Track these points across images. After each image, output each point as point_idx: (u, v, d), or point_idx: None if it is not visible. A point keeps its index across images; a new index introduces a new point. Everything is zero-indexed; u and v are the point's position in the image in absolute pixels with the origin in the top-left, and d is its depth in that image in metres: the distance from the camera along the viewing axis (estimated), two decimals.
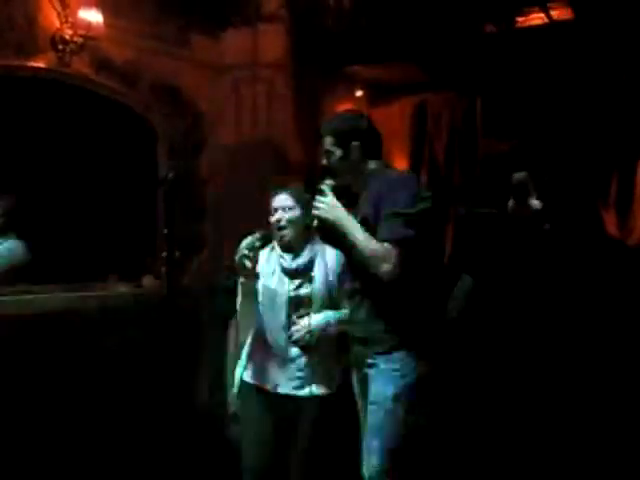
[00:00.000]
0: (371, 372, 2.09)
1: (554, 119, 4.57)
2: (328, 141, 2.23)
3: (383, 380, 2.06)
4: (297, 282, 2.36)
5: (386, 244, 1.98)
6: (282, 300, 2.34)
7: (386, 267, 1.97)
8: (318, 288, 2.36)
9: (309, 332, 2.33)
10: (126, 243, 4.00)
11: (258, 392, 2.39)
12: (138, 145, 4.18)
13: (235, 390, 2.48)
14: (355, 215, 2.10)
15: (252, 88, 4.57)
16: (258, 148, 4.47)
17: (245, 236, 2.28)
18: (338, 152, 2.20)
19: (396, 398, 2.02)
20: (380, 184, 2.10)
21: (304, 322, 2.34)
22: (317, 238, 2.41)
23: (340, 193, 2.17)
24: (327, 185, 2.14)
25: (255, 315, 2.37)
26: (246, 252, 2.19)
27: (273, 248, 2.45)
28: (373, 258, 1.99)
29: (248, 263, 2.19)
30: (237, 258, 2.20)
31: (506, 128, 5.07)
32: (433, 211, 2.07)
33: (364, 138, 2.21)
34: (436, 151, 5.44)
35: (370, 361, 2.10)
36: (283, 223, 2.34)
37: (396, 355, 2.05)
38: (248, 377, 2.43)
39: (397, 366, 2.05)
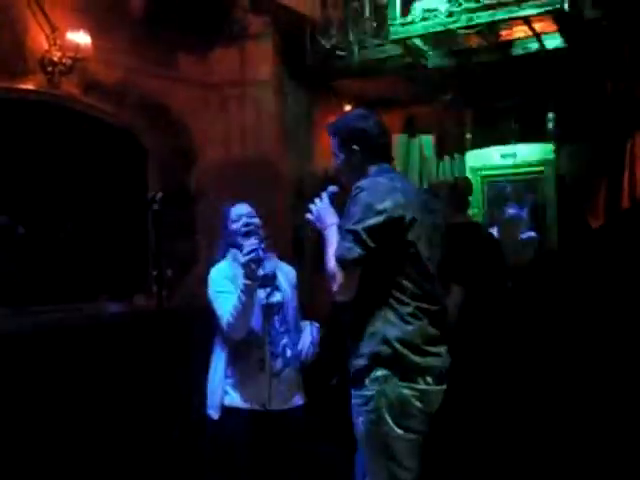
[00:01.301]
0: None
1: (541, 129, 4.63)
2: (332, 143, 2.13)
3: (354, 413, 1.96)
4: (267, 290, 2.36)
5: (336, 265, 1.86)
6: (257, 309, 2.32)
7: (334, 288, 1.87)
8: (287, 295, 2.37)
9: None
10: (118, 262, 4.00)
11: (246, 416, 2.32)
12: (128, 164, 4.20)
13: (213, 413, 2.39)
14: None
15: (240, 105, 4.61)
16: (247, 164, 4.49)
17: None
18: (341, 154, 2.10)
19: (370, 425, 1.91)
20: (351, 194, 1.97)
21: None
22: (272, 253, 2.43)
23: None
24: (328, 191, 2.07)
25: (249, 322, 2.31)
26: (251, 255, 2.17)
27: (230, 263, 2.40)
28: (329, 278, 1.89)
29: (254, 266, 2.18)
30: (243, 262, 2.17)
31: (495, 139, 5.13)
32: (392, 224, 1.87)
33: (366, 140, 2.06)
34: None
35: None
36: (252, 227, 2.34)
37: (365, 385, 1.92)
38: (231, 401, 2.35)
39: (363, 400, 1.91)
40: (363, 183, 1.95)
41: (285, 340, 2.34)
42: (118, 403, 3.47)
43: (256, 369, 2.30)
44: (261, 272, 2.30)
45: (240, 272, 2.24)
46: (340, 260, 1.87)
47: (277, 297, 2.37)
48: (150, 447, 3.22)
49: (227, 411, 2.33)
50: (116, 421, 3.44)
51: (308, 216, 2.06)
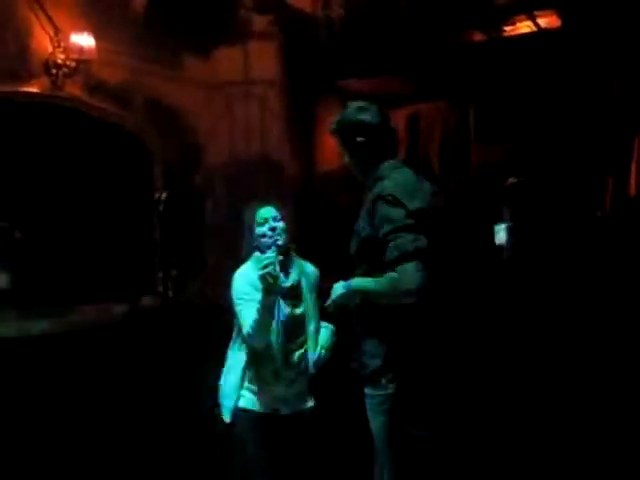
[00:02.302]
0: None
1: (546, 125, 4.60)
2: (337, 142, 2.05)
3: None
4: (291, 302, 2.33)
5: (399, 265, 1.77)
6: (278, 322, 2.30)
7: (405, 286, 1.76)
8: (310, 307, 2.34)
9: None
10: (124, 264, 4.00)
11: (259, 418, 2.33)
12: (133, 165, 4.20)
13: (227, 418, 2.41)
14: (358, 229, 1.95)
15: (245, 105, 4.61)
16: (252, 164, 4.49)
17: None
18: (348, 151, 2.01)
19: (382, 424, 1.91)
20: (372, 196, 1.90)
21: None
22: (296, 255, 2.39)
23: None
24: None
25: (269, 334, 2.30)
26: (268, 269, 2.12)
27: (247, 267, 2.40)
28: (394, 285, 1.79)
29: (270, 279, 2.13)
30: (260, 274, 2.14)
31: (499, 135, 5.11)
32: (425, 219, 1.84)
33: (369, 132, 1.97)
34: (430, 161, 5.47)
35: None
36: (279, 231, 2.31)
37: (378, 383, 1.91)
38: (245, 404, 2.37)
39: (380, 400, 1.91)
40: (383, 187, 1.89)
41: (302, 350, 2.34)
42: (126, 405, 3.47)
43: (271, 378, 2.31)
44: (281, 285, 2.24)
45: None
46: (414, 253, 1.78)
47: (300, 309, 2.34)
48: (158, 445, 3.22)
49: (238, 412, 2.34)
50: (123, 422, 3.44)
51: (330, 306, 1.99)
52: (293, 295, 2.31)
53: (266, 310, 2.17)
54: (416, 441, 1.87)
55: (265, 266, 2.07)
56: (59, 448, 3.17)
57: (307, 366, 2.32)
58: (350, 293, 1.94)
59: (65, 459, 3.15)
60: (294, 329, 2.30)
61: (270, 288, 2.11)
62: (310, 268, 2.40)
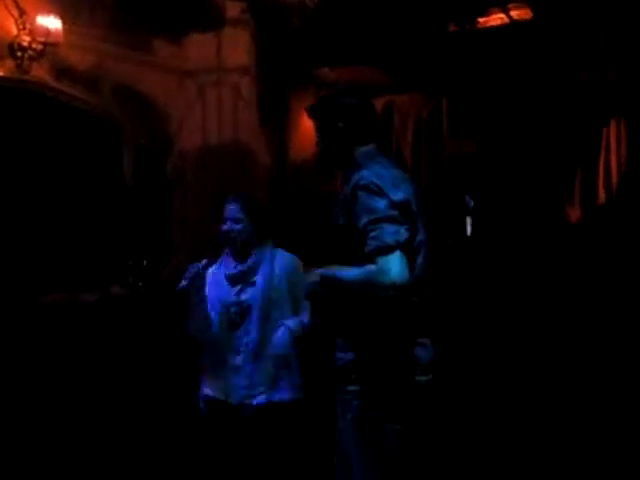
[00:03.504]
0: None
1: (517, 117, 4.66)
2: (315, 125, 1.99)
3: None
4: (238, 287, 2.38)
5: (380, 257, 1.72)
6: (223, 305, 2.35)
7: (388, 279, 1.71)
8: (259, 292, 2.36)
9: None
10: (93, 252, 3.94)
11: (216, 404, 2.37)
12: (102, 151, 4.12)
13: (200, 405, 2.47)
14: (334, 217, 1.92)
15: (217, 92, 4.55)
16: (224, 152, 4.44)
17: (198, 259, 2.33)
18: (325, 135, 1.96)
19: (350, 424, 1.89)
20: (351, 186, 1.84)
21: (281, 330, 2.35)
22: (268, 244, 2.43)
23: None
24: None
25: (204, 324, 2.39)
26: (185, 282, 2.28)
27: (220, 260, 2.46)
28: (372, 278, 1.74)
29: (194, 291, 2.28)
30: (181, 286, 2.27)
31: (471, 127, 5.15)
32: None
33: (351, 116, 1.91)
34: (403, 152, 5.48)
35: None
36: (233, 235, 2.38)
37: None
38: (205, 389, 2.41)
39: (352, 395, 1.89)
40: (363, 176, 1.84)
41: (250, 337, 2.34)
42: (99, 395, 3.43)
43: (218, 363, 2.34)
44: (234, 271, 2.41)
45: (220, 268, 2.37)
46: (393, 246, 1.72)
47: (246, 295, 2.37)
48: (131, 434, 3.19)
49: (203, 399, 2.39)
50: (97, 412, 3.40)
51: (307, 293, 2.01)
52: (240, 281, 2.35)
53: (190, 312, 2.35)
54: (386, 434, 1.87)
55: (186, 277, 2.21)
56: (31, 439, 3.12)
57: (261, 356, 2.33)
58: (321, 280, 1.93)
59: (34, 448, 3.10)
60: (238, 314, 2.34)
61: (189, 297, 2.29)
62: (283, 257, 2.42)
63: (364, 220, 1.77)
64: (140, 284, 3.39)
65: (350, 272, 1.82)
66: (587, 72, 4.27)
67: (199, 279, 2.30)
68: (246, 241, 2.38)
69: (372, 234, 1.75)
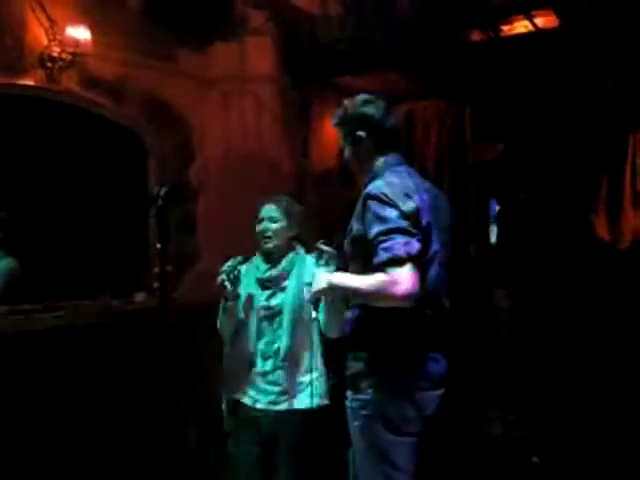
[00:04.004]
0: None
1: (542, 124, 4.62)
2: (338, 133, 2.01)
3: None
4: (268, 292, 2.38)
5: (391, 268, 1.71)
6: (253, 308, 2.36)
7: (399, 291, 1.70)
8: (289, 298, 2.36)
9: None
10: (118, 259, 3.98)
11: (242, 408, 2.38)
12: (127, 160, 4.17)
13: (224, 407, 2.47)
14: (349, 228, 1.93)
15: (240, 101, 4.59)
16: (248, 160, 4.47)
17: (229, 258, 2.33)
18: (347, 144, 1.98)
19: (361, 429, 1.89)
20: (364, 195, 1.85)
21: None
22: (300, 250, 2.43)
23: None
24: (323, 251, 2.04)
25: (234, 327, 2.40)
26: (225, 276, 2.24)
27: (252, 261, 2.47)
28: (382, 289, 1.72)
29: (229, 285, 2.24)
30: (219, 280, 2.25)
31: (495, 134, 5.12)
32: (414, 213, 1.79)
33: (372, 125, 1.93)
34: (426, 158, 5.47)
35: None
36: (269, 234, 2.37)
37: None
38: (232, 393, 2.42)
39: (360, 404, 1.89)
40: (375, 186, 1.85)
41: (282, 343, 2.35)
42: (121, 400, 3.46)
43: (246, 366, 2.36)
44: (266, 275, 2.39)
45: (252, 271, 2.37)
46: (404, 257, 1.71)
47: (276, 301, 2.37)
48: (152, 445, 3.21)
49: (234, 405, 2.41)
50: (120, 420, 3.43)
51: (314, 290, 2.00)
52: (272, 286, 2.36)
53: (224, 314, 2.36)
54: (393, 446, 1.86)
55: (222, 272, 2.20)
56: (60, 444, 3.15)
57: (290, 362, 2.33)
58: (330, 287, 1.93)
59: (63, 453, 3.13)
60: (268, 319, 2.34)
61: (227, 295, 2.27)
62: (311, 265, 2.42)
63: (375, 230, 1.78)
64: (165, 290, 3.41)
65: (361, 281, 1.82)
66: (613, 80, 4.23)
67: (235, 273, 2.28)
68: (279, 244, 2.38)
69: (383, 245, 1.75)
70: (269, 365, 2.34)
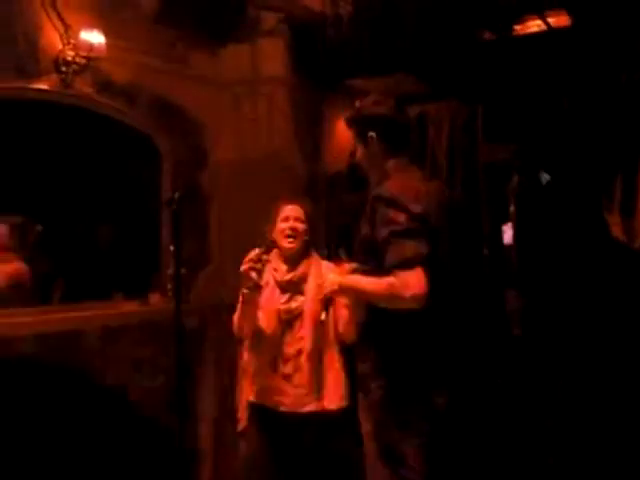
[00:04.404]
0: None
1: (554, 124, 4.59)
2: (352, 133, 2.02)
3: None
4: (288, 295, 2.37)
5: (400, 271, 1.72)
6: (273, 313, 2.35)
7: (410, 293, 1.70)
8: (309, 301, 2.36)
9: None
10: (132, 261, 4.01)
11: (262, 411, 2.37)
12: (141, 163, 4.20)
13: (242, 409, 2.47)
14: (359, 229, 1.95)
15: (253, 103, 4.59)
16: (260, 163, 4.48)
17: (249, 251, 2.30)
18: (359, 145, 1.99)
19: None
20: (372, 197, 1.86)
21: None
22: (315, 255, 2.42)
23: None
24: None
25: (253, 326, 2.37)
26: (254, 264, 2.18)
27: (267, 261, 2.45)
28: (393, 291, 1.73)
29: (255, 275, 2.19)
30: (243, 269, 2.20)
31: (507, 135, 5.09)
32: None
33: (382, 126, 1.94)
34: (438, 160, 5.45)
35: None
36: (295, 233, 2.35)
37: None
38: (252, 396, 2.41)
39: (369, 404, 1.91)
40: (385, 190, 1.86)
41: (304, 345, 2.34)
42: (134, 403, 3.47)
43: (270, 370, 2.34)
44: (286, 277, 2.37)
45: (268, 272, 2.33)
46: (415, 260, 1.72)
47: (297, 303, 2.37)
48: (165, 448, 3.22)
49: (252, 408, 2.38)
50: (132, 424, 3.45)
51: (327, 290, 2.01)
52: (291, 289, 2.35)
53: (245, 304, 2.28)
54: (402, 446, 1.85)
55: (249, 260, 2.14)
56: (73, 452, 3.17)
57: (312, 364, 2.33)
58: (341, 289, 1.94)
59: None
60: (289, 321, 2.34)
61: (249, 283, 2.18)
62: (329, 268, 2.42)
63: (384, 232, 1.79)
64: (179, 292, 3.43)
65: (371, 283, 1.83)
66: (627, 74, 4.19)
67: (262, 262, 2.23)
68: (299, 246, 2.37)
69: (392, 248, 1.76)
70: (291, 367, 2.34)
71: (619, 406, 3.30)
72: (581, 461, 3.21)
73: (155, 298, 3.92)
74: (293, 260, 2.40)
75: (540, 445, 3.36)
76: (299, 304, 2.35)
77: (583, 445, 3.26)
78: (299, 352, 2.32)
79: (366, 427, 1.92)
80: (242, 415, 2.53)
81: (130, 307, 3.86)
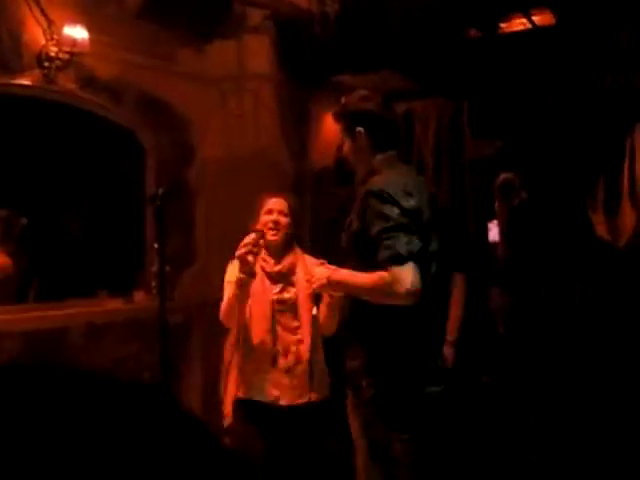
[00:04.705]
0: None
1: (539, 122, 4.62)
2: (340, 128, 2.02)
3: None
4: (280, 286, 2.37)
5: (393, 266, 1.72)
6: (267, 304, 2.33)
7: (404, 289, 1.70)
8: (301, 292, 2.36)
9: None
10: (115, 258, 3.99)
11: (250, 405, 2.37)
12: (125, 159, 4.18)
13: (228, 405, 2.46)
14: (348, 223, 1.95)
15: (239, 100, 4.58)
16: (246, 159, 4.47)
17: (235, 248, 2.28)
18: (347, 140, 1.99)
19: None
20: (363, 193, 1.86)
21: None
22: (299, 249, 2.43)
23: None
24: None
25: (243, 314, 2.34)
26: (251, 247, 2.15)
27: (262, 247, 2.44)
28: (385, 287, 1.73)
29: (251, 258, 2.17)
30: (240, 253, 2.17)
31: (493, 131, 5.12)
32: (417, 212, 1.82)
33: (370, 121, 1.93)
34: (424, 156, 5.46)
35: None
36: (277, 226, 2.35)
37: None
38: (242, 393, 2.39)
39: (359, 401, 1.92)
40: (376, 185, 1.86)
41: (298, 337, 2.34)
42: (122, 401, 3.46)
43: (268, 364, 2.33)
44: (276, 268, 2.34)
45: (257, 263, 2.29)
46: (407, 255, 1.71)
47: (289, 294, 2.37)
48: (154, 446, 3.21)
49: (239, 403, 2.37)
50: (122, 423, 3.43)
51: (314, 287, 1.99)
52: (282, 280, 2.35)
53: (239, 290, 2.23)
54: (393, 443, 1.86)
55: (246, 244, 2.12)
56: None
57: (310, 355, 2.33)
58: (330, 284, 1.93)
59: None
60: (285, 313, 2.33)
61: (247, 270, 2.15)
62: (312, 263, 2.42)
63: (377, 228, 1.78)
64: (164, 289, 3.43)
65: (362, 278, 1.83)
66: (611, 76, 4.23)
67: (257, 248, 2.20)
68: (281, 239, 2.36)
69: (385, 243, 1.76)
70: (290, 360, 2.33)
71: (603, 402, 3.34)
72: (564, 457, 3.24)
73: (140, 296, 3.90)
74: (277, 252, 2.40)
75: (524, 441, 3.38)
76: (292, 295, 2.36)
77: (567, 441, 3.30)
78: (299, 342, 2.32)
79: (355, 424, 1.92)
80: (228, 411, 2.52)
81: (115, 304, 3.84)
